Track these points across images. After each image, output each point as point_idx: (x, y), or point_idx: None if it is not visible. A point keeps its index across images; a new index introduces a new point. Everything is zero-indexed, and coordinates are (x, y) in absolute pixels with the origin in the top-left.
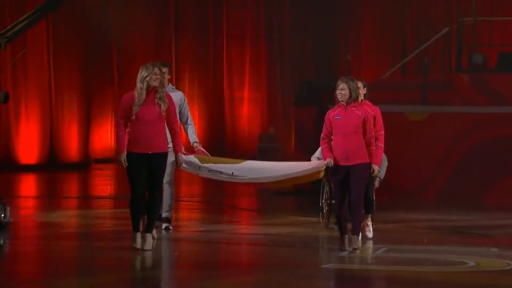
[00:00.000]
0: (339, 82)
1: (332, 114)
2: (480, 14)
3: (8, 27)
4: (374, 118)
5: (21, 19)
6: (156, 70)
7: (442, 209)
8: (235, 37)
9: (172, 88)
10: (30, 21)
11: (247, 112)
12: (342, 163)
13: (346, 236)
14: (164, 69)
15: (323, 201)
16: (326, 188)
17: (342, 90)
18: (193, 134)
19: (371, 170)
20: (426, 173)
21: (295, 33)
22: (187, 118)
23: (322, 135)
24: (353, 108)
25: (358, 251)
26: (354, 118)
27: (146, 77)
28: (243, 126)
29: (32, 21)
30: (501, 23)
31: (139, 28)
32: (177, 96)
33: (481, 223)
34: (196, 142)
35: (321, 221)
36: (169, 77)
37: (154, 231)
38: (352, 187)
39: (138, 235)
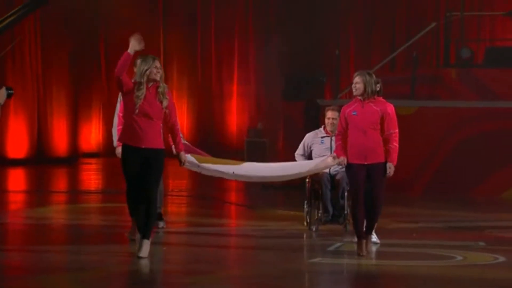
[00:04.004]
0: (354, 75)
1: (348, 110)
2: (468, 9)
3: None
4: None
5: (10, 13)
6: (157, 63)
7: (430, 204)
8: (223, 30)
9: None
10: (18, 15)
11: (235, 106)
12: (359, 161)
13: (364, 241)
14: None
15: (306, 202)
16: (313, 187)
17: (356, 84)
18: None
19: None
20: (415, 168)
21: (284, 27)
22: None
23: (336, 131)
24: (371, 104)
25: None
26: (372, 114)
27: (146, 70)
28: (232, 120)
29: (21, 16)
30: (489, 18)
31: (127, 21)
32: None
33: (469, 217)
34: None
35: (305, 224)
36: None
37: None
38: (372, 186)
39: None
